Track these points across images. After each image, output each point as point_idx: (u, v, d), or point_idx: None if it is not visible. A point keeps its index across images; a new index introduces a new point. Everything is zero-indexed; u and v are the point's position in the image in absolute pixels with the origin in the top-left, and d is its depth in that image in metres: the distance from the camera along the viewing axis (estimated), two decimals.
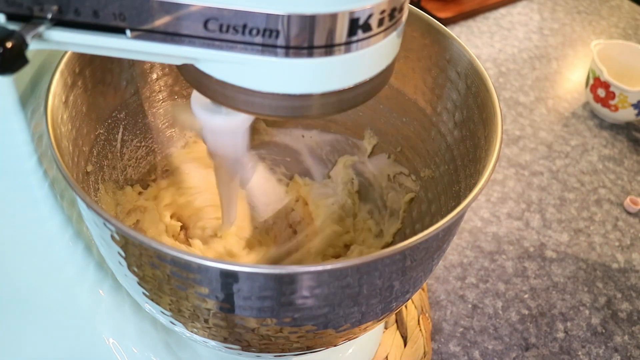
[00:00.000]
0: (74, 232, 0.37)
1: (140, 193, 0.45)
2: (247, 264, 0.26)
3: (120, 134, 0.42)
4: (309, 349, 0.33)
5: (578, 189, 0.68)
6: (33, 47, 0.24)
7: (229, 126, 0.33)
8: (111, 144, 0.41)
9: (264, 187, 0.42)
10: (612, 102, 0.74)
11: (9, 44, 0.22)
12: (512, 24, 0.95)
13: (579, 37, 0.93)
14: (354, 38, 0.24)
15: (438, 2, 0.93)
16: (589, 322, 0.55)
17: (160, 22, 0.24)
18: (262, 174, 0.41)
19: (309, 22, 0.23)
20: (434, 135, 0.43)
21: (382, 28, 0.25)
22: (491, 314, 0.55)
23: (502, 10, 0.98)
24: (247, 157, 0.38)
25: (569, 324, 0.55)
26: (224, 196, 0.41)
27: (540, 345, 0.53)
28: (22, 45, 0.23)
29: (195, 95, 0.33)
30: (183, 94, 0.47)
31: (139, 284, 0.31)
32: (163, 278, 0.28)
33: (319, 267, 0.26)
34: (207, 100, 0.32)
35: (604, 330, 0.55)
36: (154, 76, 0.44)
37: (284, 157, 0.52)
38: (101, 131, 0.39)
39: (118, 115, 0.41)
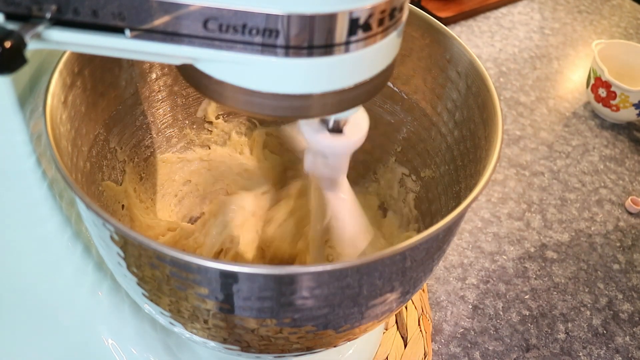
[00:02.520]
0: (73, 233, 0.37)
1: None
2: (247, 264, 0.26)
3: (119, 134, 0.42)
4: (309, 349, 0.33)
5: (579, 189, 0.68)
6: (32, 46, 0.24)
7: (337, 147, 0.33)
8: (110, 144, 0.41)
9: (354, 222, 0.39)
10: (613, 102, 0.73)
11: (7, 44, 0.22)
12: (512, 23, 0.95)
13: (580, 36, 0.93)
14: (354, 38, 0.24)
15: (438, 2, 0.93)
16: (590, 323, 0.55)
17: (159, 21, 0.24)
18: (354, 206, 0.38)
19: (309, 22, 0.23)
20: (434, 135, 0.42)
21: (382, 28, 0.25)
22: (492, 315, 0.55)
23: (503, 10, 0.97)
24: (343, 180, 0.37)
25: (570, 324, 0.55)
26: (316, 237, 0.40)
27: (541, 346, 0.53)
28: (20, 45, 0.23)
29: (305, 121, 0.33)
30: (182, 93, 0.47)
31: (138, 284, 0.31)
32: (162, 278, 0.28)
33: (319, 268, 0.26)
34: (315, 120, 0.33)
35: (605, 331, 0.54)
36: (153, 76, 0.44)
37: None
38: (100, 131, 0.39)
39: (117, 115, 0.41)
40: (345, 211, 0.38)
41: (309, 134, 0.33)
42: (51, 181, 0.35)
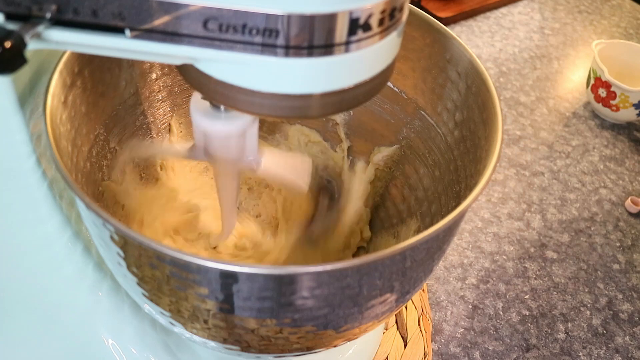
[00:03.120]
0: (73, 233, 0.37)
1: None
2: (247, 264, 0.26)
3: (119, 134, 0.42)
4: (309, 349, 0.33)
5: (579, 189, 0.68)
6: (32, 46, 0.24)
7: (229, 130, 0.33)
8: (110, 144, 0.41)
9: (282, 163, 0.39)
10: (613, 102, 0.73)
11: (7, 44, 0.22)
12: (512, 23, 0.95)
13: (580, 36, 0.93)
14: (354, 38, 0.24)
15: (438, 2, 0.93)
16: (590, 323, 0.55)
17: (159, 21, 0.24)
18: (272, 154, 0.39)
19: (309, 22, 0.23)
20: (434, 135, 0.42)
21: (383, 28, 0.25)
22: (492, 315, 0.55)
23: (503, 10, 0.97)
24: (250, 155, 0.36)
25: (569, 324, 0.55)
26: (224, 203, 0.40)
27: (541, 346, 0.53)
28: (21, 45, 0.23)
29: (194, 101, 0.32)
30: (182, 94, 0.47)
31: (138, 284, 0.31)
32: (162, 279, 0.28)
33: (319, 268, 0.26)
34: (206, 106, 0.32)
35: (605, 331, 0.54)
36: (153, 76, 0.44)
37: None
38: (100, 131, 0.39)
39: (117, 115, 0.41)
40: (270, 158, 0.38)
41: (200, 121, 0.32)
42: (51, 181, 0.35)
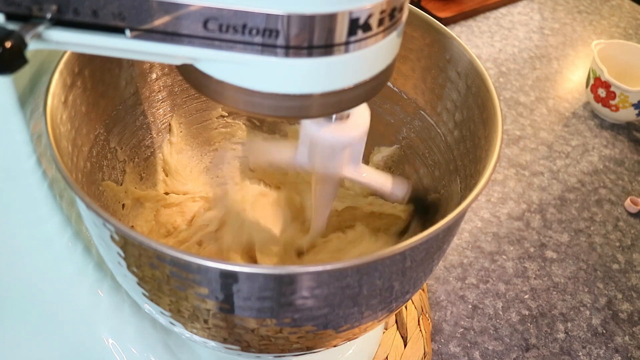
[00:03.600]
0: (73, 233, 0.37)
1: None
2: (247, 264, 0.26)
3: (119, 134, 0.42)
4: (309, 349, 0.33)
5: (579, 189, 0.68)
6: (32, 47, 0.24)
7: (336, 141, 0.33)
8: (110, 144, 0.41)
9: (382, 175, 0.40)
10: (612, 102, 0.74)
11: (8, 44, 0.22)
12: (512, 23, 0.95)
13: (579, 36, 0.93)
14: (354, 38, 0.24)
15: (438, 2, 0.93)
16: (590, 322, 0.55)
17: (159, 21, 0.24)
18: (371, 169, 0.40)
19: (309, 22, 0.23)
20: (434, 135, 0.43)
21: (382, 28, 0.25)
22: (491, 315, 0.55)
23: (503, 10, 0.97)
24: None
25: (569, 324, 0.55)
26: (319, 207, 0.40)
27: (541, 346, 0.53)
28: (21, 45, 0.23)
29: None
30: (182, 94, 0.47)
31: (138, 284, 0.31)
32: (162, 278, 0.28)
33: (319, 268, 0.26)
34: None
35: (604, 331, 0.54)
36: (154, 76, 0.44)
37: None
38: (100, 131, 0.39)
39: (117, 115, 0.41)
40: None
41: (310, 127, 0.33)
42: (51, 181, 0.35)
